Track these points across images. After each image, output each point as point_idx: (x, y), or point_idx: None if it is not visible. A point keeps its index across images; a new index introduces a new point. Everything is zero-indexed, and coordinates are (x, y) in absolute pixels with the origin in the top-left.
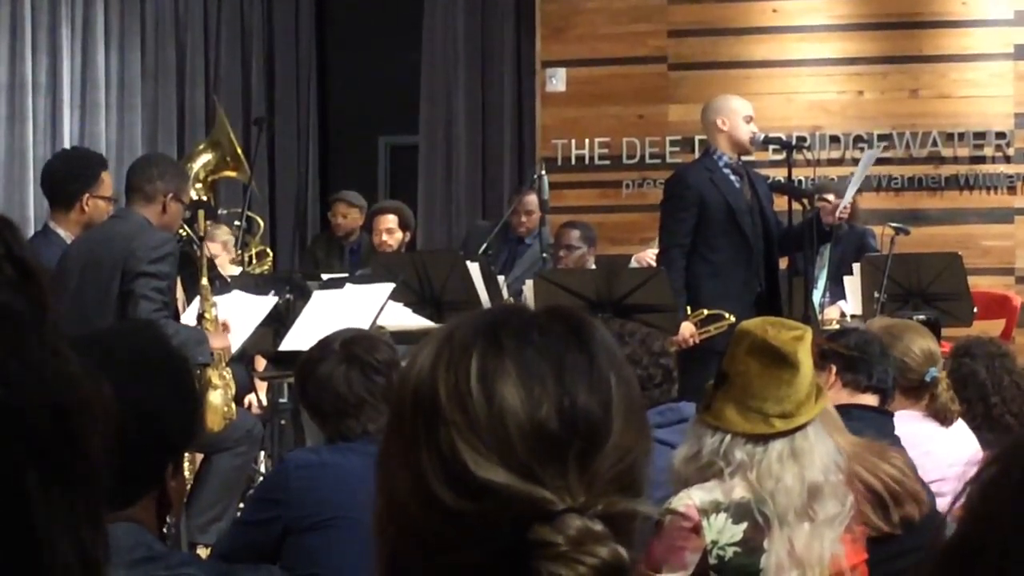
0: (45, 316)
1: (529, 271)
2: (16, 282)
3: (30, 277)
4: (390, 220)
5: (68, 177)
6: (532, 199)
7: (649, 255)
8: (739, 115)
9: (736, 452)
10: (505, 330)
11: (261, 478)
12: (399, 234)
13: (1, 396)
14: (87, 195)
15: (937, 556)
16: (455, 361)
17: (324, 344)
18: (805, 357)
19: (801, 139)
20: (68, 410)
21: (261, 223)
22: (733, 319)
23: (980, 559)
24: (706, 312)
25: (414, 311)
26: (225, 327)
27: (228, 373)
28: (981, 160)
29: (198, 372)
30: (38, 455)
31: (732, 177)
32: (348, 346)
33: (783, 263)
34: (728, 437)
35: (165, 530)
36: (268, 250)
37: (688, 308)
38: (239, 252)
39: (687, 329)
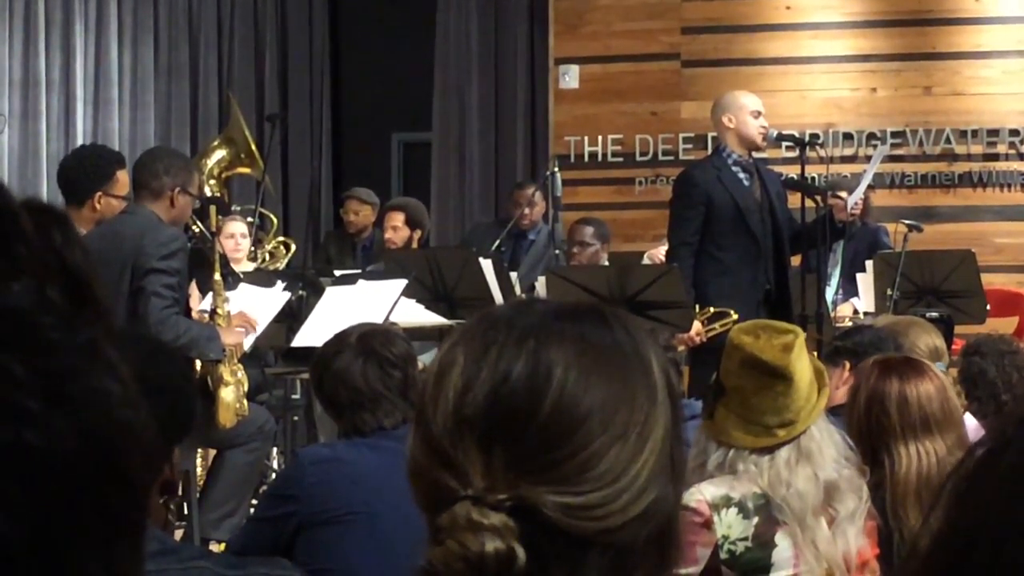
0: (97, 344)
1: (537, 266)
2: (67, 304)
3: (85, 293)
4: (396, 217)
5: (82, 174)
6: (532, 191)
7: (662, 252)
8: (746, 111)
9: (740, 464)
10: (484, 322)
11: (274, 474)
12: (405, 232)
13: (41, 443)
14: (100, 193)
15: (925, 552)
16: (440, 348)
17: (341, 338)
18: (798, 364)
19: (814, 136)
20: (115, 455)
21: (275, 220)
22: (737, 317)
23: (970, 553)
24: (712, 310)
25: (426, 307)
26: (248, 322)
27: (240, 369)
28: (994, 157)
29: (210, 368)
30: (81, 501)
31: (741, 175)
32: (365, 340)
33: (796, 260)
34: (732, 451)
35: (171, 517)
36: (291, 242)
37: (696, 306)
38: (252, 249)
39: (694, 327)
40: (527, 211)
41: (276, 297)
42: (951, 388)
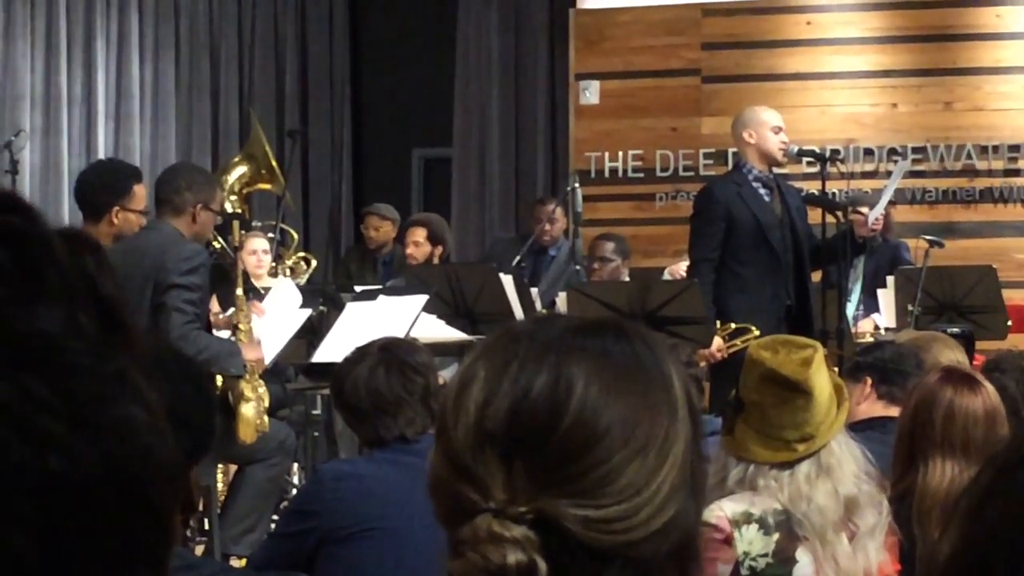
0: (125, 372)
1: (557, 282)
2: (98, 331)
3: (116, 321)
4: (417, 233)
5: (99, 188)
6: (553, 206)
7: (682, 267)
8: (767, 127)
9: (761, 479)
10: (505, 337)
11: (294, 490)
12: (426, 247)
13: (63, 468)
14: (117, 207)
15: (941, 569)
16: (462, 363)
17: (362, 349)
18: (817, 379)
19: (835, 152)
20: (138, 482)
21: (295, 235)
22: (758, 333)
23: (987, 570)
24: (733, 326)
25: (447, 323)
26: (257, 310)
27: (261, 385)
28: (1016, 173)
29: (231, 383)
30: (102, 526)
31: (762, 191)
32: (387, 348)
33: (816, 276)
34: (752, 466)
35: (190, 534)
36: (311, 258)
37: (717, 322)
38: (273, 264)
39: (715, 343)
40: (547, 227)
41: (296, 314)
42: (1002, 416)
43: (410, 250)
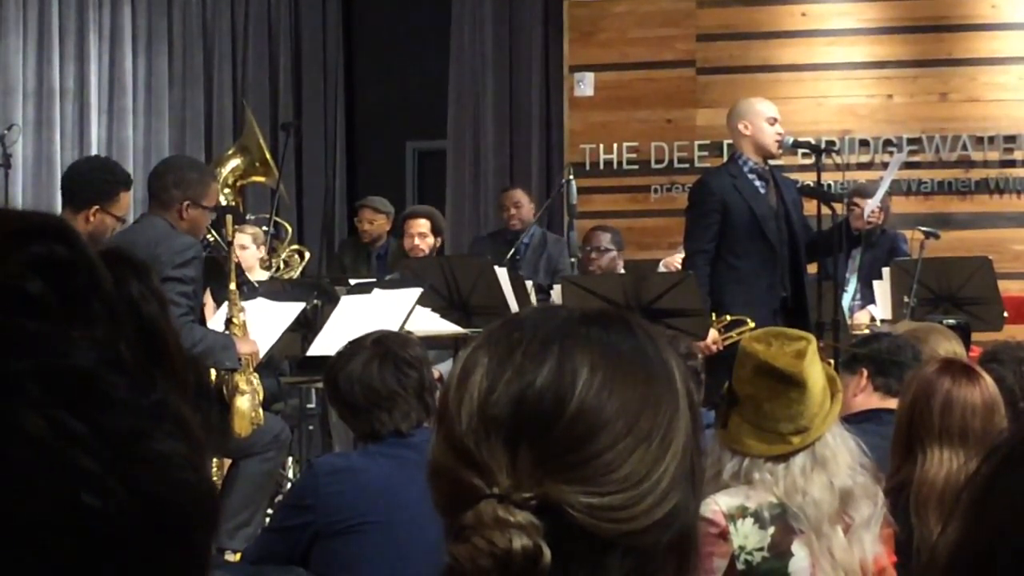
0: (165, 404)
1: (537, 267)
2: (140, 359)
3: (160, 347)
4: (422, 225)
5: (85, 183)
6: (516, 192)
7: (677, 260)
8: (762, 118)
9: (756, 473)
10: (508, 326)
11: (289, 483)
12: (431, 239)
13: (96, 504)
14: (96, 207)
15: (944, 562)
16: (464, 351)
17: (356, 342)
18: (811, 371)
19: (830, 143)
20: (173, 518)
21: (289, 228)
22: (754, 325)
23: (992, 564)
24: (729, 318)
25: (442, 316)
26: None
27: (255, 378)
28: (1011, 164)
29: (225, 377)
30: (136, 563)
31: (757, 182)
32: (381, 342)
33: (812, 268)
34: (747, 460)
35: None
36: (305, 251)
37: (712, 314)
38: (267, 257)
39: (710, 335)
40: (513, 211)
41: (288, 308)
42: (1000, 407)
43: (416, 242)
